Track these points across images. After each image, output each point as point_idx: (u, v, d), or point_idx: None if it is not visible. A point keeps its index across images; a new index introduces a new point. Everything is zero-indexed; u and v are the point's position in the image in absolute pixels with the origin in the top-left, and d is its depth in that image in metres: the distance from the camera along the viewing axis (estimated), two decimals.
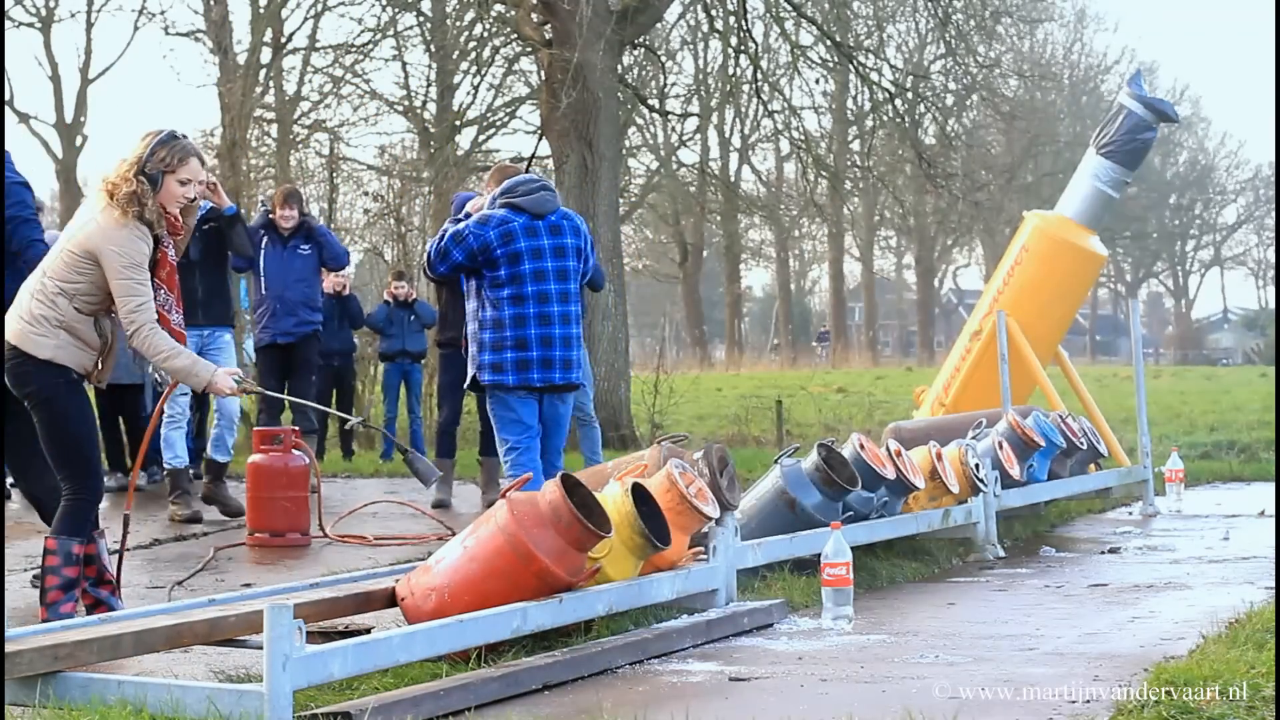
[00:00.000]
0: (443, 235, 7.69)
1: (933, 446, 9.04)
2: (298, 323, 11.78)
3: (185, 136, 6.26)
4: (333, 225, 18.61)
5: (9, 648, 4.89)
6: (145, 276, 6.10)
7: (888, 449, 8.41)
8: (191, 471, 11.14)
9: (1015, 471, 9.66)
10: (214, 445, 10.74)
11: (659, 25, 24.36)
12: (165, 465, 10.66)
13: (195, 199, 6.27)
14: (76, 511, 6.20)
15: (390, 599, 6.11)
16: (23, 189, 7.39)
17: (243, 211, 12.33)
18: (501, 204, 7.69)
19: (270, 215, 12.01)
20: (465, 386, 8.11)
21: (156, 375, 11.02)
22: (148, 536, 9.56)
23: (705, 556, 6.73)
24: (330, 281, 14.32)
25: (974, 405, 11.61)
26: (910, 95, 20.69)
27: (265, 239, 11.85)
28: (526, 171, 19.95)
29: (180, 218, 6.24)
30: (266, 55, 23.92)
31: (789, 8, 19.41)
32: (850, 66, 20.22)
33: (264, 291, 11.89)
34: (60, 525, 6.21)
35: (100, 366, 6.24)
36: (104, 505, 11.51)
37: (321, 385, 14.62)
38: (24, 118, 34.21)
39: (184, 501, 10.39)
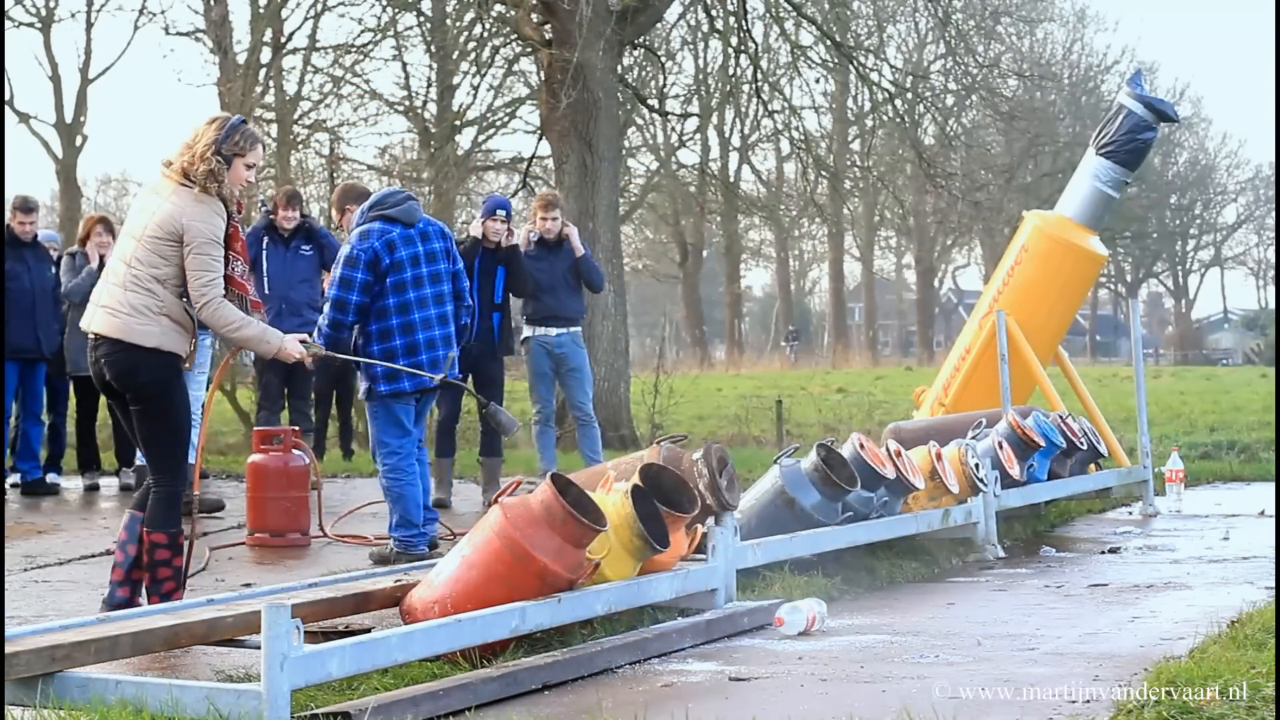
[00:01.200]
0: (329, 304, 8.12)
1: (932, 446, 9.04)
2: (302, 323, 11.80)
3: (249, 124, 6.56)
4: (333, 226, 18.56)
5: (7, 648, 4.89)
6: (220, 252, 6.34)
7: (887, 449, 8.41)
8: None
9: (1015, 471, 9.65)
10: None
11: (659, 25, 24.34)
12: (139, 460, 10.67)
13: (253, 184, 6.49)
14: (174, 500, 6.41)
15: (390, 598, 6.11)
16: None
17: (243, 217, 12.30)
18: (373, 216, 8.12)
19: (272, 217, 12.02)
20: (363, 397, 8.47)
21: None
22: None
23: (704, 557, 6.73)
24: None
25: (974, 405, 11.60)
26: (910, 95, 20.69)
27: (267, 240, 11.85)
28: (527, 172, 19.98)
29: (241, 200, 6.60)
30: (266, 55, 23.91)
31: (789, 8, 19.41)
32: (850, 66, 20.23)
33: (267, 292, 11.91)
34: (161, 518, 6.39)
35: (190, 350, 6.45)
36: (110, 505, 11.59)
37: (322, 385, 14.62)
38: (24, 118, 34.17)
39: None
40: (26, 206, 12.01)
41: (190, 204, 6.31)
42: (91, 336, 6.40)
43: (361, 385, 8.36)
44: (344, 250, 8.17)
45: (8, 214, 11.99)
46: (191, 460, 6.81)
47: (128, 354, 6.29)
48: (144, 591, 6.46)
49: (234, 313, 6.40)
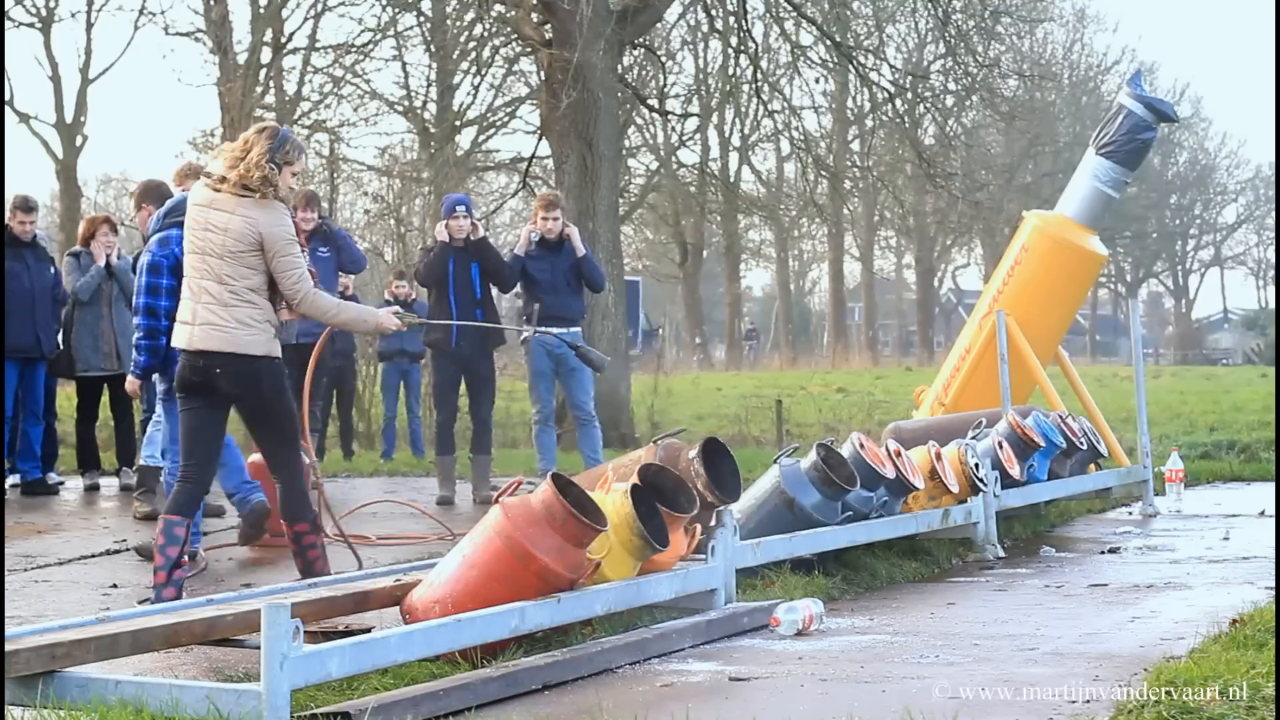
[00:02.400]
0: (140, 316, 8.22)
1: (932, 446, 9.04)
2: (318, 324, 11.80)
3: (293, 133, 6.87)
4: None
5: (7, 647, 4.89)
6: (299, 250, 6.71)
7: (887, 449, 8.41)
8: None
9: (1015, 471, 9.65)
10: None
11: (659, 25, 24.34)
12: (141, 460, 10.70)
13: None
14: (302, 492, 6.85)
15: (389, 598, 6.11)
16: None
17: None
18: (169, 223, 8.19)
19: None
20: (162, 398, 8.66)
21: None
22: (148, 537, 9.54)
23: (704, 557, 6.73)
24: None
25: (974, 405, 11.60)
26: (910, 95, 20.68)
27: None
28: (527, 172, 20.01)
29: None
30: (266, 55, 23.93)
31: (789, 8, 19.41)
32: (850, 66, 20.21)
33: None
34: (297, 509, 6.86)
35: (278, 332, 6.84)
36: (110, 505, 11.59)
37: (322, 385, 14.62)
38: (24, 118, 34.16)
39: (146, 499, 10.47)
40: (27, 206, 12.03)
41: (259, 212, 6.59)
42: (194, 353, 6.67)
43: (160, 387, 8.46)
44: (145, 259, 8.22)
45: (7, 214, 12.00)
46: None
47: (247, 365, 6.64)
48: (299, 573, 6.92)
49: (329, 300, 6.87)
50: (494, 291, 11.52)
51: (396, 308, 7.17)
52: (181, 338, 6.73)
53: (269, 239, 6.59)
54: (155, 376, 11.02)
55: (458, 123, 25.33)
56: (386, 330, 7.12)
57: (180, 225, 8.13)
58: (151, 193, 8.94)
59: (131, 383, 8.39)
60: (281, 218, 6.64)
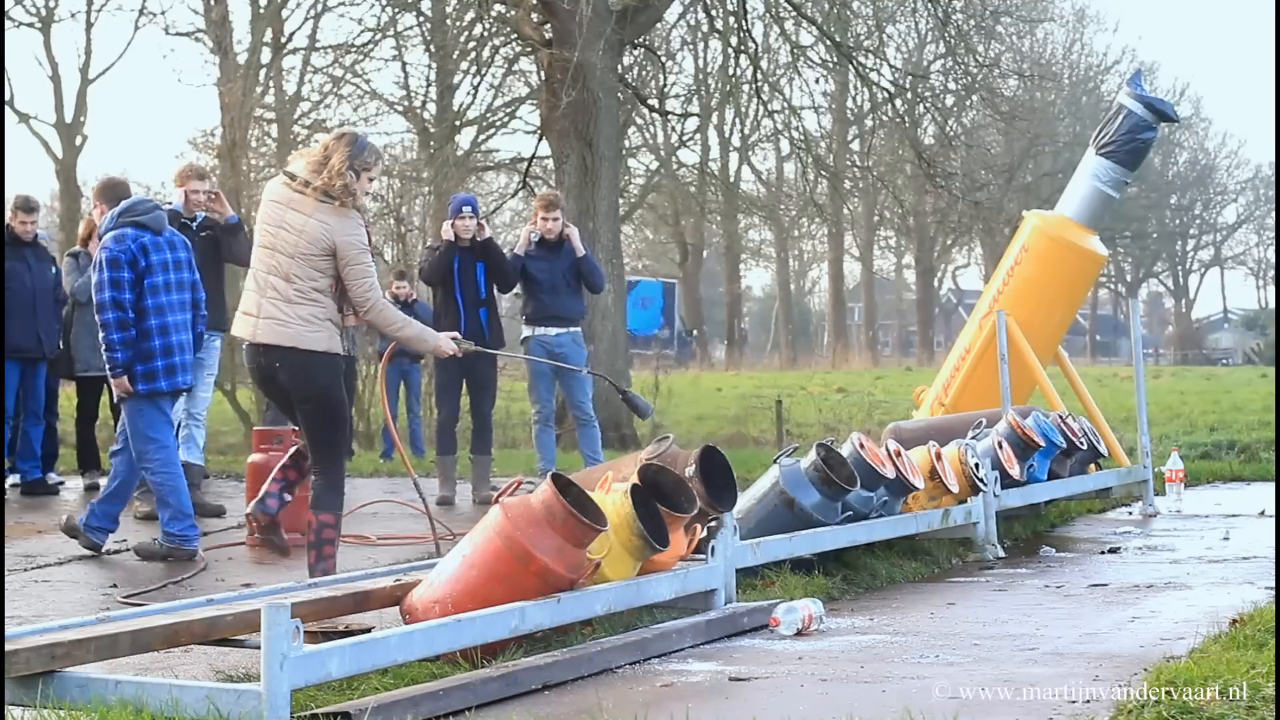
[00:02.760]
0: (104, 310, 8.37)
1: (932, 446, 9.04)
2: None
3: (369, 139, 7.07)
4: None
5: (7, 647, 4.89)
6: (370, 259, 6.93)
7: (887, 449, 8.41)
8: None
9: (1015, 471, 9.65)
10: (184, 445, 10.71)
11: (659, 25, 24.33)
12: None
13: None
14: (338, 486, 7.07)
15: (389, 598, 6.11)
16: None
17: (243, 216, 12.36)
18: (123, 222, 8.45)
19: None
20: (114, 404, 8.89)
21: None
22: (148, 537, 9.55)
23: (703, 557, 6.73)
24: None
25: (974, 405, 11.60)
26: (910, 95, 20.68)
27: None
28: (527, 172, 20.01)
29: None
30: (266, 55, 23.93)
31: (789, 8, 19.41)
32: (850, 66, 20.22)
33: None
34: (328, 501, 7.03)
35: (345, 346, 7.10)
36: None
37: None
38: (24, 118, 34.15)
39: (146, 499, 10.48)
40: (28, 206, 12.04)
41: (336, 220, 6.81)
42: (258, 346, 6.93)
43: (114, 388, 8.54)
44: (102, 254, 8.39)
45: (9, 214, 12.01)
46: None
47: (304, 360, 6.87)
48: (308, 568, 7.03)
49: (396, 314, 7.03)
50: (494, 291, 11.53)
51: (455, 334, 7.40)
52: (245, 329, 6.95)
53: (342, 247, 6.80)
54: None
55: (458, 123, 25.32)
56: (442, 353, 7.29)
57: (135, 225, 8.47)
58: (107, 191, 9.08)
59: (120, 383, 8.40)
60: (356, 227, 6.85)
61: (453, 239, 11.10)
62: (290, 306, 6.85)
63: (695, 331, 49.03)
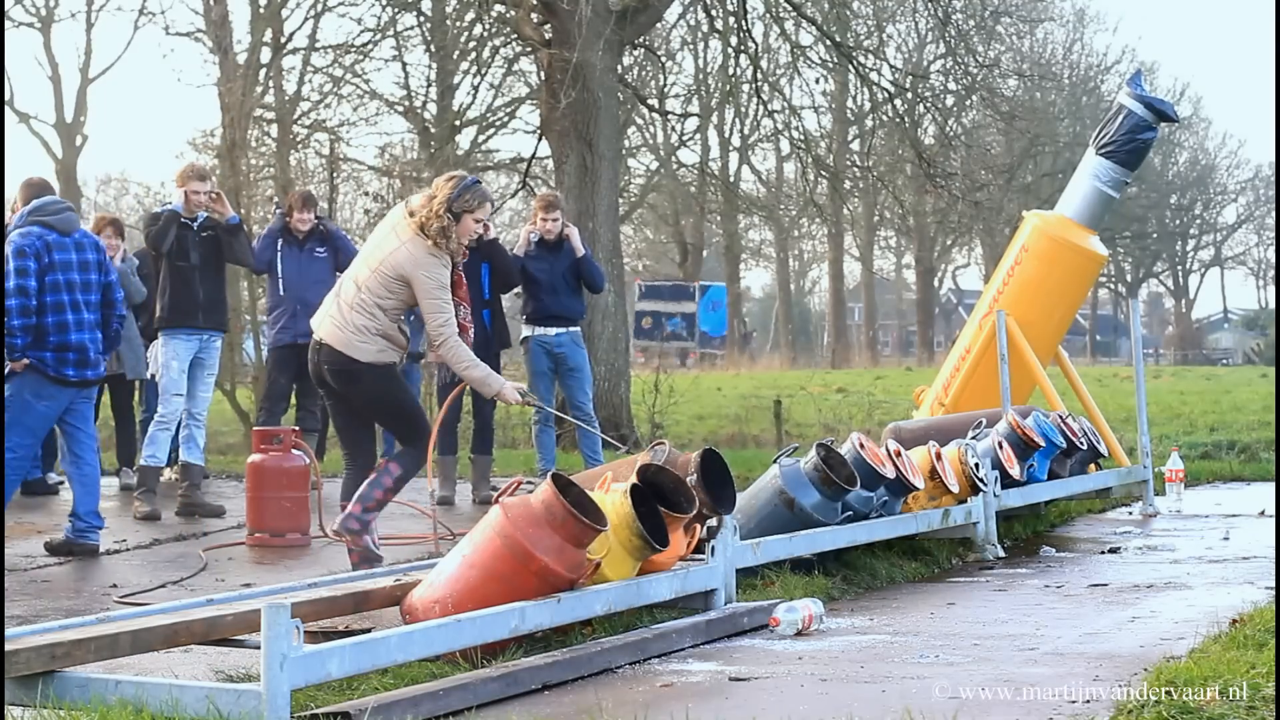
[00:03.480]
0: (12, 298, 8.41)
1: (932, 446, 9.04)
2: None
3: (481, 183, 7.52)
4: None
5: (7, 647, 4.89)
6: (449, 296, 7.35)
7: (887, 449, 8.41)
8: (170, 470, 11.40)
9: (1015, 471, 9.65)
10: (185, 445, 10.70)
11: (659, 25, 24.34)
12: (142, 461, 10.71)
13: (483, 235, 7.45)
14: (418, 462, 7.56)
15: (389, 598, 6.11)
16: None
17: (243, 216, 12.39)
18: (31, 221, 8.58)
19: (287, 219, 12.07)
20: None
21: (154, 374, 11.10)
22: (148, 537, 9.56)
23: (703, 557, 6.73)
24: None
25: (974, 405, 11.59)
26: (910, 95, 20.68)
27: (282, 243, 11.90)
28: (527, 172, 20.01)
29: (467, 248, 7.52)
30: (266, 55, 23.91)
31: (789, 8, 19.40)
32: (850, 66, 20.21)
33: (282, 293, 11.97)
34: (408, 464, 7.56)
35: (403, 361, 7.63)
36: (110, 505, 11.59)
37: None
38: (24, 118, 34.20)
39: (146, 499, 10.47)
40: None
41: (422, 255, 7.26)
42: (318, 341, 7.46)
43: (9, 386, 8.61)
44: (9, 247, 8.49)
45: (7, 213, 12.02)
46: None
47: (349, 365, 7.38)
48: (343, 510, 7.65)
49: (466, 353, 7.40)
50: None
51: (523, 385, 7.87)
52: (314, 321, 7.54)
53: (418, 281, 7.24)
54: (152, 375, 11.14)
55: (458, 123, 25.33)
56: (506, 401, 7.74)
57: (41, 224, 8.59)
58: (26, 190, 9.07)
59: (17, 363, 8.49)
60: (437, 268, 7.26)
61: None
62: (350, 313, 7.32)
63: (754, 331, 49.80)
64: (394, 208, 7.63)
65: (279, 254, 11.84)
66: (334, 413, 7.91)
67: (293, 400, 12.70)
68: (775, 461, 8.11)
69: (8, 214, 9.38)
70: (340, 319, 7.36)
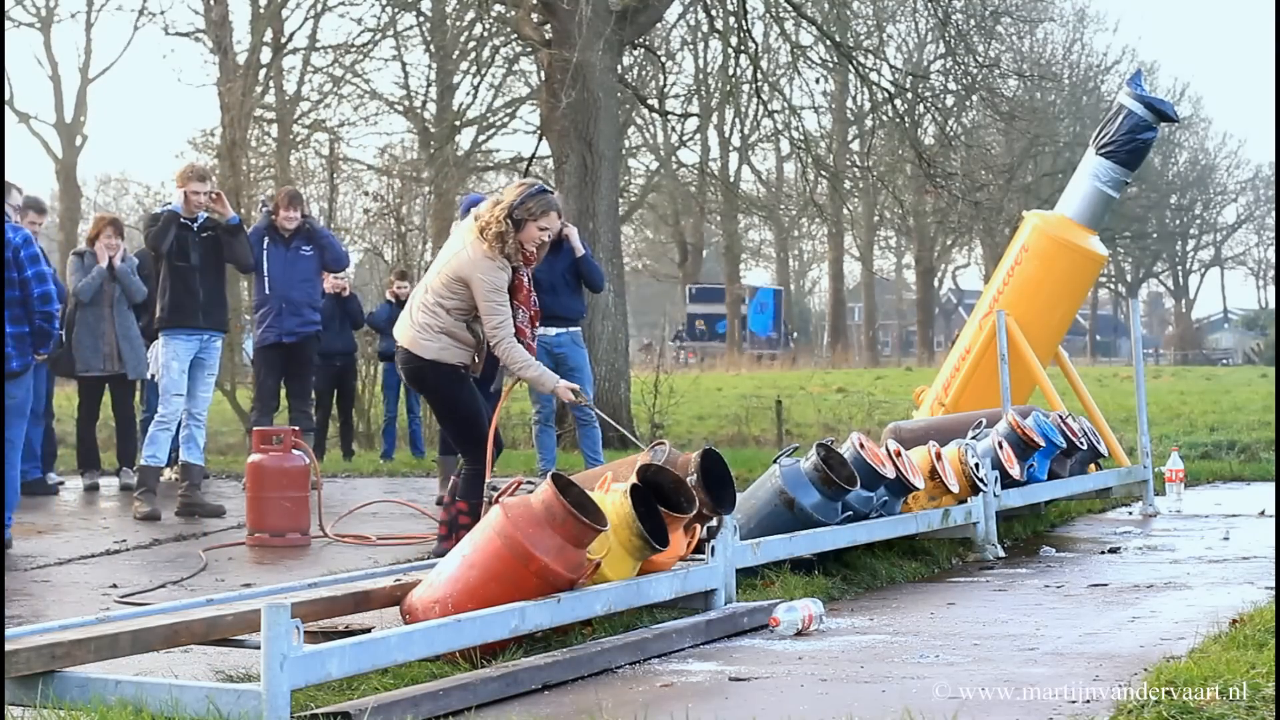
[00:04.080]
0: None
1: (932, 446, 9.03)
2: (301, 323, 12.08)
3: (552, 192, 7.66)
4: (333, 225, 18.61)
5: (7, 647, 4.89)
6: (505, 299, 7.49)
7: (887, 449, 8.41)
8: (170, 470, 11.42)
9: (1015, 471, 9.65)
10: (185, 445, 10.69)
11: (659, 25, 24.34)
12: (142, 461, 10.71)
13: (547, 242, 7.62)
14: (476, 477, 7.62)
15: (389, 598, 6.11)
16: None
17: (242, 216, 12.41)
18: None
19: (273, 217, 12.09)
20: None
21: (155, 374, 11.11)
22: (148, 537, 9.56)
23: (703, 557, 6.73)
24: (330, 283, 14.37)
25: (974, 405, 11.59)
26: (910, 95, 20.68)
27: (268, 241, 11.91)
28: (527, 173, 20.02)
29: (535, 253, 7.61)
30: (266, 55, 23.93)
31: (789, 8, 19.41)
32: (850, 66, 20.22)
33: (267, 292, 12.00)
34: (466, 490, 7.72)
35: (476, 360, 7.74)
36: (110, 505, 11.60)
37: (324, 385, 14.64)
38: (24, 118, 34.20)
39: (146, 499, 10.48)
40: (39, 208, 12.12)
41: (480, 259, 7.47)
42: (396, 344, 7.82)
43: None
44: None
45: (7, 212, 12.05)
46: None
47: (415, 362, 7.68)
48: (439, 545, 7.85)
49: (521, 353, 7.56)
50: None
51: (576, 386, 7.97)
52: (396, 329, 7.89)
53: (475, 283, 7.46)
54: (152, 375, 11.16)
55: (458, 123, 25.36)
56: (562, 398, 7.90)
57: None
58: None
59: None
60: (494, 270, 7.44)
61: None
62: (419, 314, 7.64)
63: (795, 333, 50.62)
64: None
65: (264, 252, 11.87)
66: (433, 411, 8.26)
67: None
68: (775, 461, 8.11)
69: (8, 215, 9.38)
70: (410, 320, 7.69)
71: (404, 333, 7.74)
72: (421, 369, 7.67)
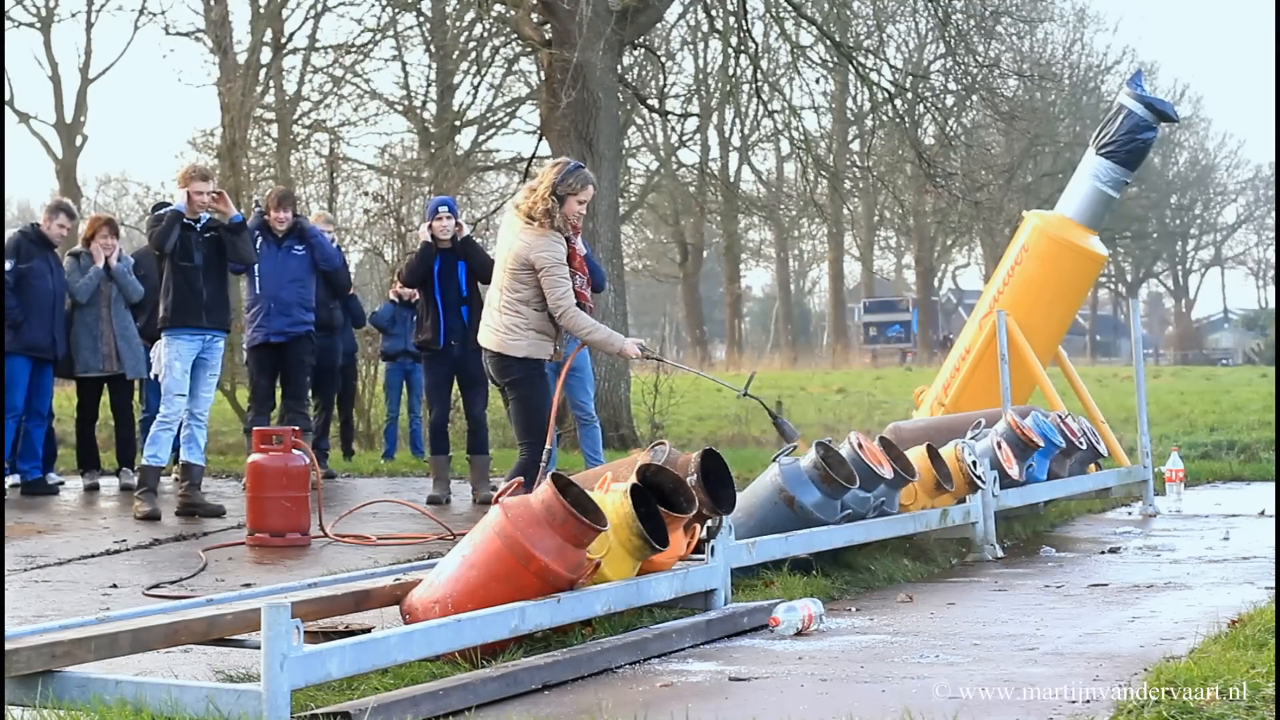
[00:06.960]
0: None
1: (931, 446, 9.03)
2: (291, 323, 12.06)
3: (584, 167, 8.05)
4: (333, 225, 18.60)
5: (7, 646, 4.89)
6: (565, 271, 7.87)
7: (881, 441, 8.41)
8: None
9: (1014, 471, 9.65)
10: (186, 445, 10.68)
11: (659, 25, 24.34)
12: (143, 460, 10.71)
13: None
14: (533, 467, 7.91)
15: (390, 598, 6.11)
16: None
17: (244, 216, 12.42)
18: None
19: (265, 216, 12.10)
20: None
21: (157, 373, 11.10)
22: (148, 537, 9.56)
23: (703, 557, 6.72)
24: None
25: (974, 405, 11.59)
26: (910, 95, 20.68)
27: (259, 240, 11.92)
28: (526, 172, 20.00)
29: (579, 224, 8.03)
30: (266, 55, 23.94)
31: (789, 8, 19.40)
32: (850, 66, 20.21)
33: (258, 291, 12.02)
34: (518, 469, 8.02)
35: (557, 349, 8.13)
36: (110, 505, 11.60)
37: (327, 384, 14.62)
38: (24, 118, 34.18)
39: (147, 499, 10.47)
40: (69, 211, 12.34)
41: (535, 239, 7.85)
42: (482, 349, 8.14)
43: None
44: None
45: (44, 216, 12.23)
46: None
47: (505, 362, 8.02)
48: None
49: (586, 320, 7.96)
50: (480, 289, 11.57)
51: (642, 340, 8.35)
52: (479, 335, 8.21)
53: (537, 261, 7.82)
54: (154, 375, 11.16)
55: (458, 123, 25.35)
56: (629, 356, 8.25)
57: None
58: None
59: None
60: (552, 244, 7.83)
61: (431, 240, 11.26)
62: (499, 315, 7.99)
63: (949, 336, 53.64)
64: (506, 211, 8.21)
65: (256, 251, 11.88)
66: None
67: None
68: (774, 460, 8.11)
69: (9, 215, 9.41)
70: (493, 323, 8.02)
71: (489, 337, 8.05)
72: (511, 366, 8.00)
